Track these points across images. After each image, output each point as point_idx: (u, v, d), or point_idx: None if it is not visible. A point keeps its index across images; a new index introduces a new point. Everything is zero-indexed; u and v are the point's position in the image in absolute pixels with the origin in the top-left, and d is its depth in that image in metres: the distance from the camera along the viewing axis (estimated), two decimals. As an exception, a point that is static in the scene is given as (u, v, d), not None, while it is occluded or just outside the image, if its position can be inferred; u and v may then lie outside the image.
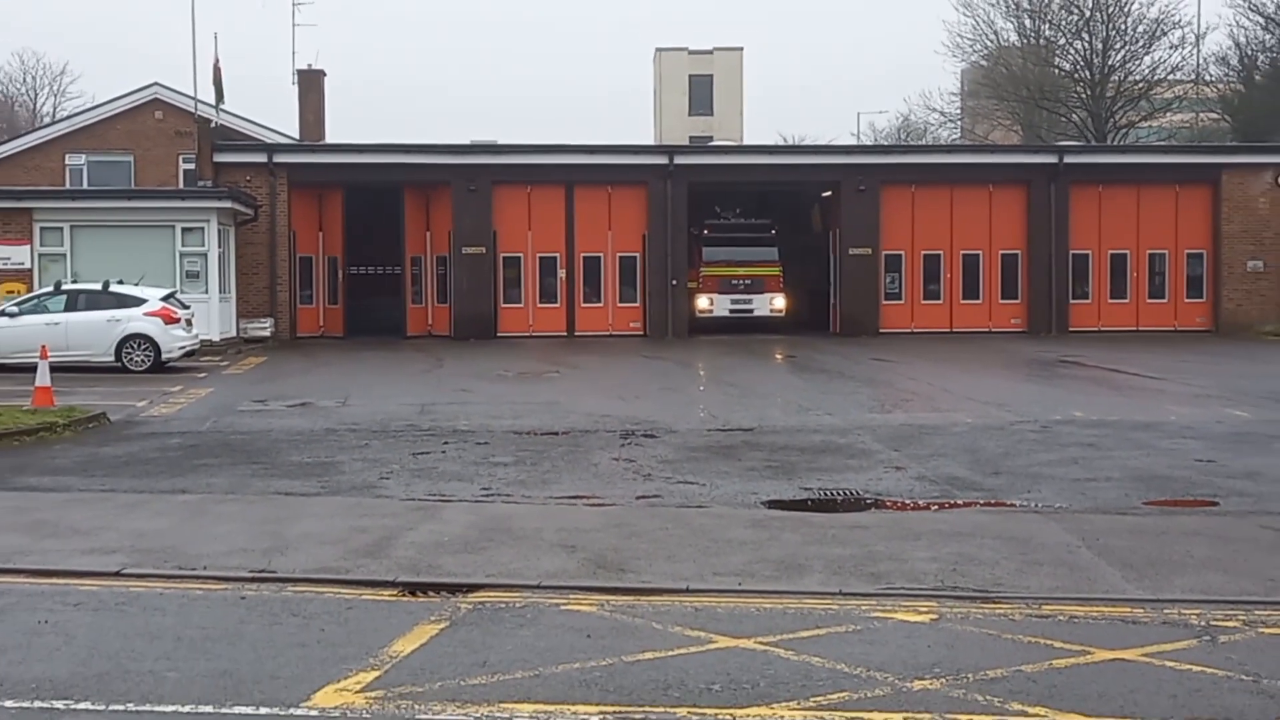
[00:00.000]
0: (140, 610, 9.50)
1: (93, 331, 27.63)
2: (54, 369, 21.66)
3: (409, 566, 10.65)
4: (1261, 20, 51.04)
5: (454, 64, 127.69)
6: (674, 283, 40.37)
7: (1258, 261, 41.10)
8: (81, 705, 7.40)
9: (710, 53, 79.93)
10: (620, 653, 8.33)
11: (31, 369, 21.81)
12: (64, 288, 29.24)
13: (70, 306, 28.12)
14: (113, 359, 27.59)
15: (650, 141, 69.63)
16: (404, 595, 9.90)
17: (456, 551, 11.19)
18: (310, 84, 47.65)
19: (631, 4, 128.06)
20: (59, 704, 7.41)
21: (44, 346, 22.43)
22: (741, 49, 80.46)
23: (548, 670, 7.97)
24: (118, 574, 10.46)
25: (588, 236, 40.95)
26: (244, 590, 10.04)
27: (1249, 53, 53.87)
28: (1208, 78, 57.11)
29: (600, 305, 41.10)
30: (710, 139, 64.92)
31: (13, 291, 32.68)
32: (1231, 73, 55.74)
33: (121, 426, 19.71)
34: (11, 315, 27.89)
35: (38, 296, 29.37)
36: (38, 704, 7.41)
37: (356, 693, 7.60)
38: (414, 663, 8.16)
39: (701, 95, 79.68)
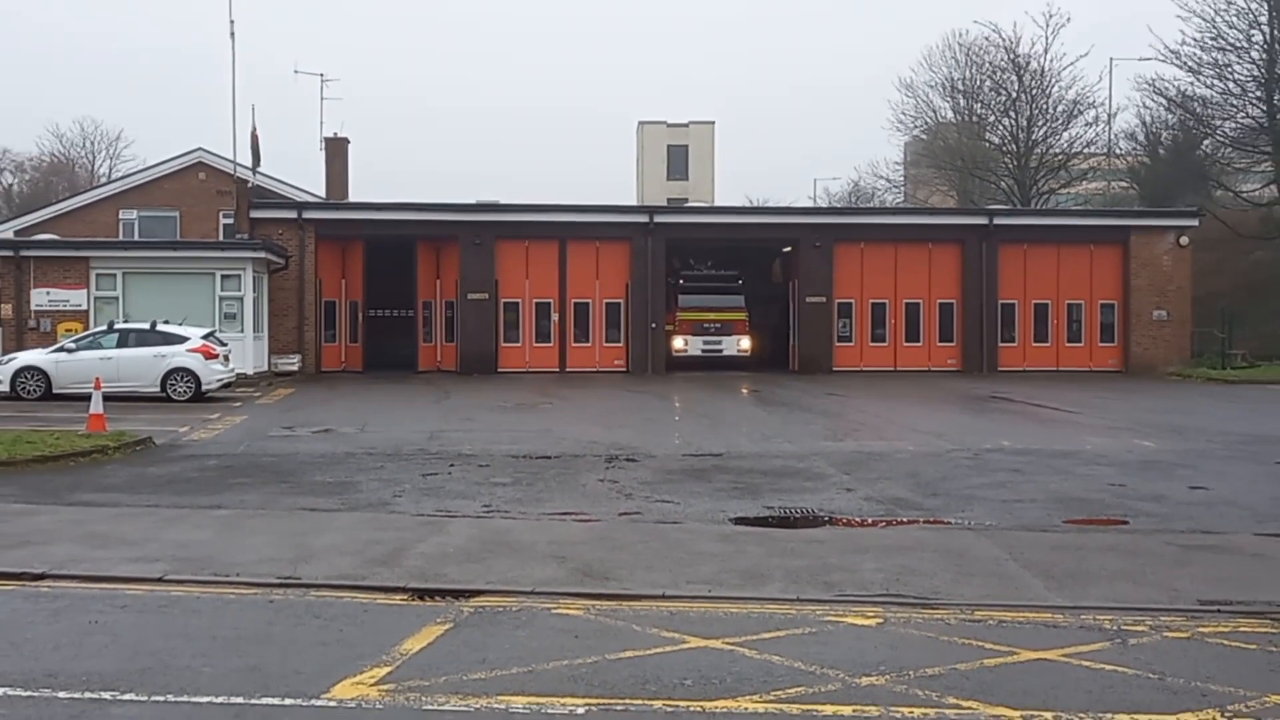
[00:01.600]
0: (180, 612, 9.43)
1: (141, 365, 27.50)
2: (106, 398, 21.56)
3: (418, 574, 10.59)
4: (1165, 102, 51.52)
5: (461, 129, 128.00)
6: (653, 326, 40.37)
7: (1162, 311, 41.29)
8: (127, 696, 7.33)
9: (686, 125, 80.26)
10: (604, 651, 8.28)
11: (87, 398, 21.70)
12: (116, 327, 29.12)
13: (121, 343, 28.00)
14: (158, 390, 27.45)
15: (633, 202, 69.75)
16: (413, 600, 9.84)
17: (460, 561, 11.14)
18: (336, 150, 47.72)
19: (618, 82, 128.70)
20: (106, 695, 7.34)
21: (98, 378, 22.33)
22: (713, 123, 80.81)
23: (540, 667, 7.92)
24: (160, 580, 10.38)
25: (578, 285, 40.96)
26: (272, 595, 9.97)
27: (1154, 130, 54.35)
28: (1118, 151, 57.55)
29: (589, 345, 41.06)
30: (686, 201, 65.14)
31: (71, 330, 32.55)
32: (1139, 147, 56.19)
33: (165, 449, 19.59)
34: (70, 351, 27.78)
35: (93, 334, 29.22)
36: (88, 695, 7.34)
37: (371, 686, 7.54)
38: (422, 660, 8.11)
39: (678, 162, 79.97)
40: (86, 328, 32.47)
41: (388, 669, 7.88)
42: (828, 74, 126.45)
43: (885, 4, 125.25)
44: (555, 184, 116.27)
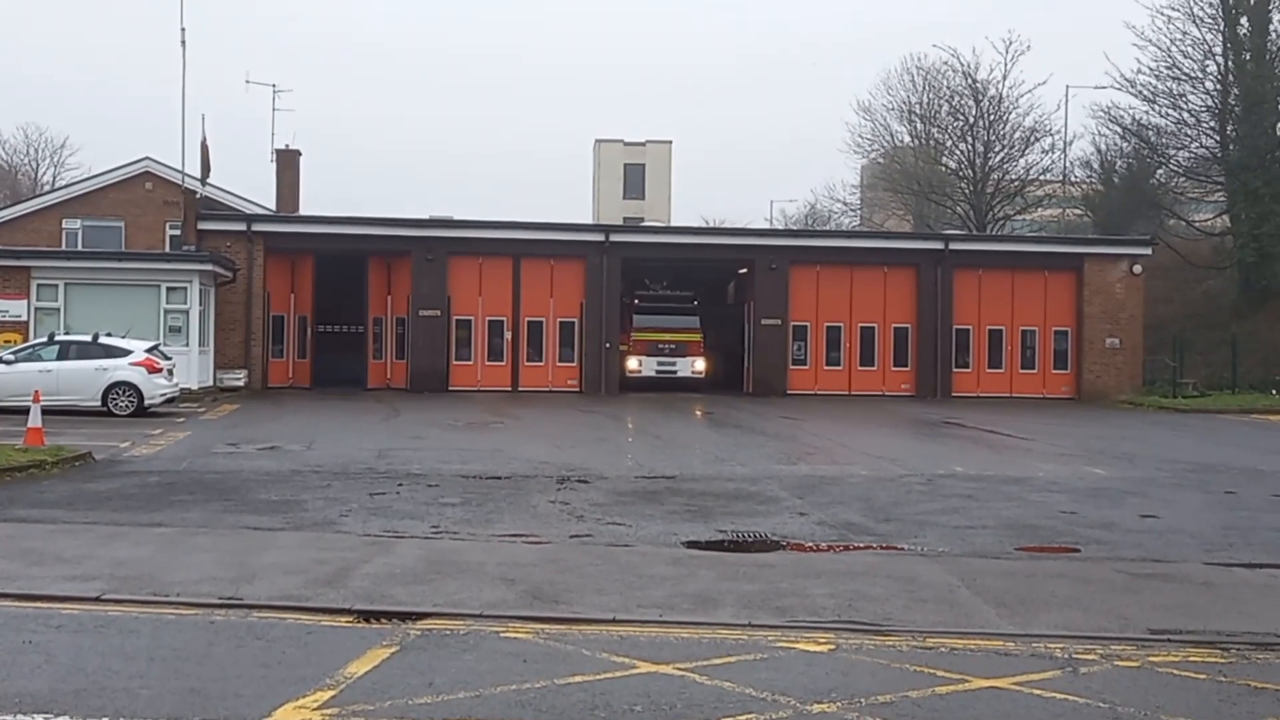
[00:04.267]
0: (117, 632, 9.28)
1: (82, 379, 27.15)
2: (45, 412, 21.24)
3: (364, 596, 10.49)
4: (1120, 130, 52.36)
5: (416, 144, 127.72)
6: (607, 345, 40.40)
7: (1114, 339, 41.86)
8: (60, 718, 7.20)
9: (643, 144, 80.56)
10: (553, 676, 8.24)
11: (25, 412, 21.37)
12: (57, 339, 28.74)
13: (62, 356, 27.63)
14: (100, 404, 27.11)
15: (588, 220, 69.83)
16: (359, 622, 9.74)
17: (407, 582, 11.05)
18: (287, 161, 47.44)
19: (575, 100, 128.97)
20: (39, 717, 7.20)
21: (37, 391, 22.00)
22: (670, 142, 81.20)
23: (488, 691, 7.87)
24: (97, 599, 10.21)
25: (532, 303, 40.96)
26: (213, 615, 9.84)
27: (1109, 158, 55.23)
28: (1074, 178, 58.42)
29: (541, 364, 41.03)
30: (642, 220, 65.28)
31: (10, 341, 32.07)
32: (1094, 175, 57.05)
33: (105, 465, 19.32)
34: (8, 363, 27.36)
35: (32, 346, 28.82)
36: (20, 717, 7.20)
37: (313, 710, 7.45)
38: (366, 683, 8.02)
39: (634, 181, 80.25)
40: (26, 339, 32.01)
41: (331, 693, 7.79)
42: (785, 95, 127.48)
43: (844, 25, 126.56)
44: (510, 200, 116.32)
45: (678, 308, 43.43)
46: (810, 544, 13.83)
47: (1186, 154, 50.25)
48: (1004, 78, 57.47)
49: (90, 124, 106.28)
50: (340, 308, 42.33)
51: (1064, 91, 67.83)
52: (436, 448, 23.04)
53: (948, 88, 59.52)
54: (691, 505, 16.36)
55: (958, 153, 59.79)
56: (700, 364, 42.51)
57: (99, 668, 8.28)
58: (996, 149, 57.80)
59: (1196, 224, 52.13)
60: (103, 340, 28.16)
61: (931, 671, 8.58)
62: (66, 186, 52.87)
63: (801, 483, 18.76)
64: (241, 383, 37.22)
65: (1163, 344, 42.38)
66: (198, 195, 39.85)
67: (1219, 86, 47.74)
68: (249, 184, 65.80)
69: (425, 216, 42.71)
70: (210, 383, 36.11)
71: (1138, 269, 42.12)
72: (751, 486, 18.26)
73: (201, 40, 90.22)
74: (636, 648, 9.06)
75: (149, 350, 28.32)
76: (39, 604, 10.05)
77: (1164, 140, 50.23)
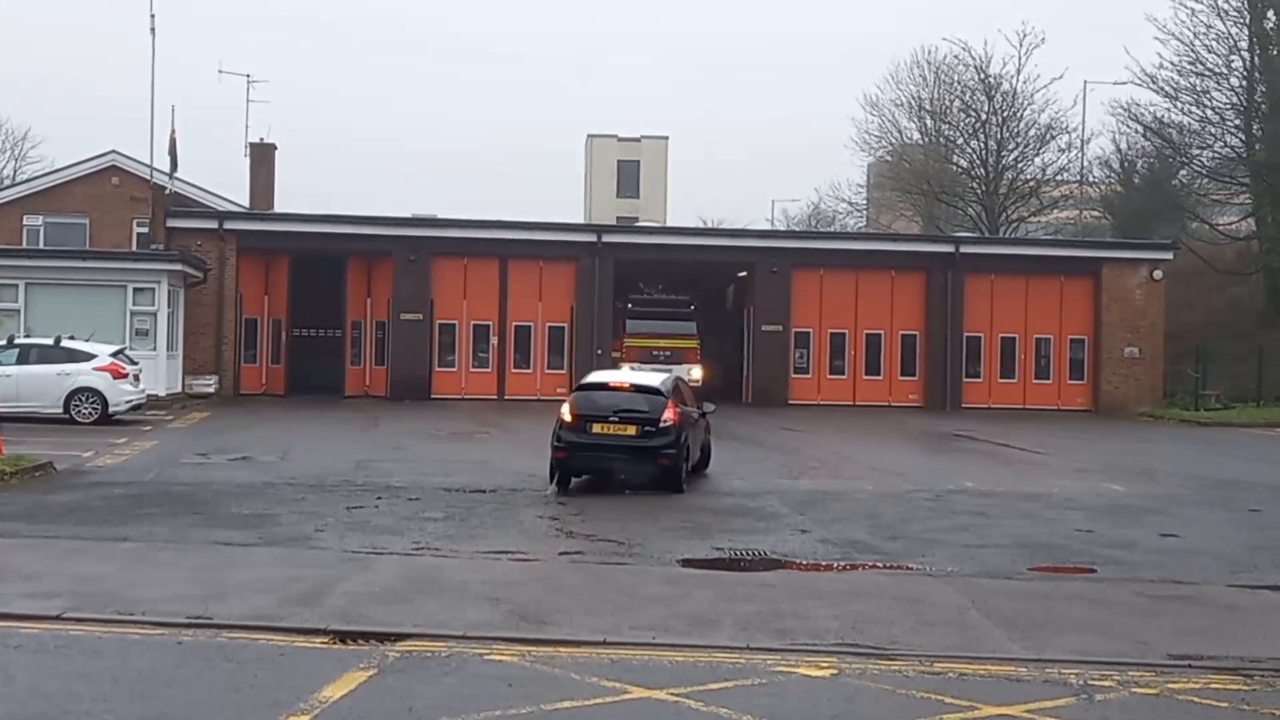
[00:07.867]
0: (79, 653, 9.28)
1: (43, 384, 27.11)
2: (4, 419, 21.23)
3: (340, 615, 10.49)
4: (1140, 129, 52.37)
5: (398, 138, 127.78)
6: (599, 352, 40.38)
7: (1134, 348, 41.90)
8: (19, 744, 7.20)
9: (638, 140, 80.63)
10: (540, 701, 8.25)
11: (-17, 419, 21.34)
12: (16, 342, 28.70)
13: (22, 360, 27.59)
14: (61, 411, 27.07)
15: (580, 220, 69.85)
16: (335, 643, 9.74)
17: (386, 602, 11.06)
18: (261, 156, 47.42)
19: (566, 93, 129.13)
20: (-4, 743, 7.21)
21: (-5, 397, 21.98)
22: (667, 138, 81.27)
23: (471, 717, 7.87)
24: (58, 617, 10.21)
25: (520, 307, 40.97)
26: (181, 635, 9.83)
27: (1129, 158, 55.29)
28: (1091, 179, 58.45)
29: (530, 371, 41.03)
30: (636, 220, 65.34)
31: (-34, 344, 31.97)
32: (1113, 175, 57.11)
33: (67, 476, 19.29)
34: (-35, 367, 27.31)
35: (-9, 349, 28.78)
36: (-25, 743, 7.21)
37: (287, 736, 7.45)
38: (343, 708, 8.03)
39: (629, 179, 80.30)
40: (-16, 342, 31.93)
41: (306, 718, 7.79)
42: (788, 89, 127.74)
43: (850, 16, 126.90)
44: (497, 198, 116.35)
45: (673, 313, 43.41)
46: (812, 563, 13.85)
47: (1210, 154, 50.31)
48: (1018, 72, 57.47)
49: (54, 116, 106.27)
50: (317, 310, 42.23)
51: (1081, 87, 67.85)
52: (418, 459, 23.03)
53: (959, 82, 59.54)
54: (688, 521, 16.37)
55: (969, 151, 59.84)
56: (697, 373, 42.40)
57: (60, 690, 8.28)
58: (1010, 147, 57.81)
59: (1221, 227, 52.18)
60: (65, 344, 28.12)
61: (939, 698, 8.60)
62: (28, 181, 52.77)
63: (804, 498, 18.77)
64: (212, 389, 37.16)
65: (1185, 354, 42.40)
66: (166, 191, 39.83)
67: (1244, 83, 47.83)
68: (221, 180, 65.69)
69: (407, 215, 42.75)
70: (179, 389, 36.07)
71: (1158, 274, 42.18)
72: (751, 502, 18.27)
73: (172, 28, 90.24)
74: (629, 671, 9.07)
75: (114, 354, 28.29)
76: (-4, 622, 10.04)
77: (1187, 139, 50.31)
